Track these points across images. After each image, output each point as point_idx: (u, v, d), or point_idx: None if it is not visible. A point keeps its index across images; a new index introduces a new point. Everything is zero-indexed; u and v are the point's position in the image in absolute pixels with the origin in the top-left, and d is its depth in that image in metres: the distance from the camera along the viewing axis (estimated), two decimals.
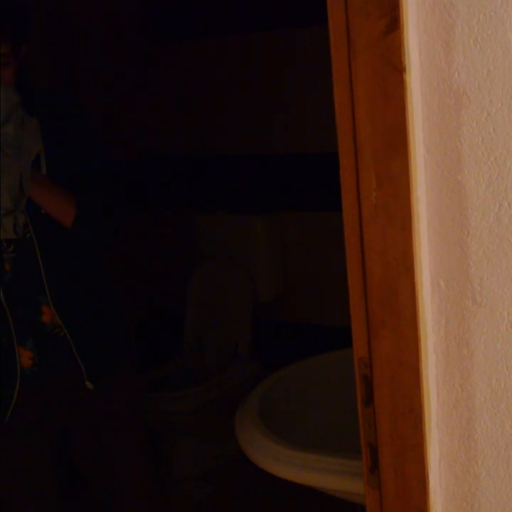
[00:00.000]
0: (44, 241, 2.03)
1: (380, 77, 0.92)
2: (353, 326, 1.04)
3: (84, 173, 2.09)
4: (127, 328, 2.32)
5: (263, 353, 3.59)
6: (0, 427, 2.10)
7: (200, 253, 3.74)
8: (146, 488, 2.29)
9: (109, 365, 2.18)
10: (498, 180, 0.93)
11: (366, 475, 1.08)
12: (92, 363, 2.12)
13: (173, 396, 3.22)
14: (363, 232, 0.99)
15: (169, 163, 3.88)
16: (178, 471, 3.37)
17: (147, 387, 3.22)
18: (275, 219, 3.60)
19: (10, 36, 1.93)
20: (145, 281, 3.92)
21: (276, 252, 3.62)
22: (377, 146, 0.95)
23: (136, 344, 3.62)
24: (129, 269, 3.73)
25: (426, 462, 1.02)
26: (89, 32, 3.63)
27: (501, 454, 1.01)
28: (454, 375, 1.01)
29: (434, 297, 1.00)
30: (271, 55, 3.48)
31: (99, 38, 3.67)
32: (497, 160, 0.93)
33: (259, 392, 2.12)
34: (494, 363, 0.98)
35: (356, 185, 0.98)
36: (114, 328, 2.23)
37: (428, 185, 0.97)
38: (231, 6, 3.55)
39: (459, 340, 1.00)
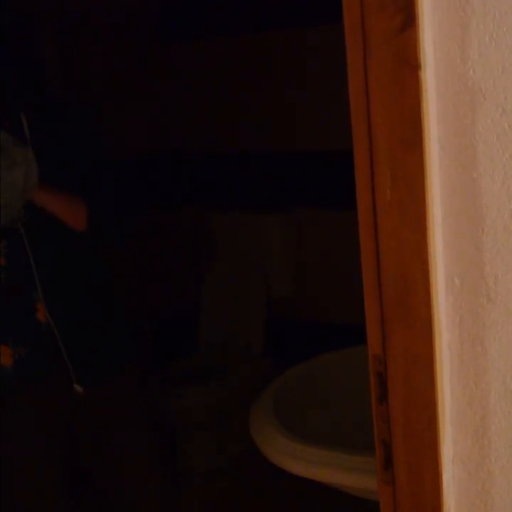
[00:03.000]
0: (35, 237, 2.02)
1: (395, 74, 0.92)
2: (368, 323, 1.04)
3: (85, 174, 2.08)
4: (132, 329, 2.30)
5: (276, 351, 3.59)
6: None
7: (214, 251, 3.74)
8: (155, 487, 2.28)
9: (108, 367, 2.16)
10: None
11: (380, 472, 1.08)
12: (82, 365, 2.10)
13: (186, 392, 3.22)
14: (377, 229, 0.99)
15: (183, 162, 3.89)
16: (192, 465, 3.38)
17: (161, 384, 3.23)
18: (289, 217, 3.60)
19: None
20: (160, 280, 3.93)
21: (290, 250, 3.62)
22: (392, 143, 0.95)
23: (150, 343, 3.65)
24: (143, 268, 3.74)
25: (440, 459, 1.02)
26: (100, 31, 3.64)
27: None
28: (469, 373, 1.01)
29: (448, 294, 1.00)
30: (289, 53, 3.48)
31: (109, 37, 3.68)
32: None
33: (273, 389, 2.12)
34: (509, 361, 0.98)
35: (371, 182, 0.98)
36: (115, 330, 2.20)
37: (443, 182, 0.97)
38: (241, 5, 3.56)
39: (473, 337, 0.99)
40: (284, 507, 3.11)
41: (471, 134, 0.94)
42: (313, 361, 2.30)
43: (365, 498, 1.78)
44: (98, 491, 2.31)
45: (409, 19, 0.90)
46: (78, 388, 2.09)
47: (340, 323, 3.51)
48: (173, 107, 3.81)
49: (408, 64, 0.91)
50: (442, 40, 0.92)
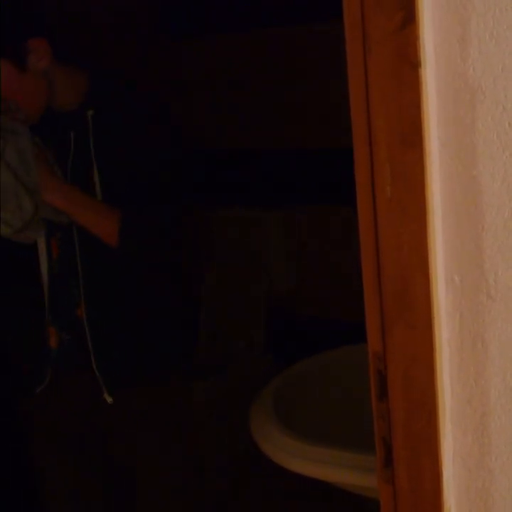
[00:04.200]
0: (85, 237, 1.95)
1: (395, 71, 0.92)
2: (367, 320, 1.04)
3: (137, 183, 1.95)
4: (183, 336, 2.16)
5: (277, 347, 3.59)
6: (32, 400, 2.09)
7: (214, 248, 3.74)
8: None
9: (139, 380, 2.06)
10: None
11: (380, 470, 1.08)
12: (114, 374, 2.02)
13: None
14: (377, 226, 0.99)
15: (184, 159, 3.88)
16: (192, 465, 3.37)
17: None
18: (289, 213, 3.60)
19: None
20: None
21: (290, 246, 3.62)
22: (391, 141, 0.95)
23: None
24: None
25: (440, 457, 1.02)
26: (100, 31, 3.64)
27: None
28: (469, 370, 1.01)
29: (448, 292, 1.00)
30: (286, 51, 3.48)
31: (109, 37, 3.68)
32: None
33: (273, 386, 2.12)
34: (509, 358, 0.98)
35: (371, 179, 0.98)
36: (154, 343, 2.07)
37: (443, 180, 0.97)
38: (241, 4, 3.56)
39: (473, 335, 0.99)
40: (284, 507, 3.11)
41: (471, 132, 0.94)
42: (313, 359, 2.31)
43: (366, 496, 1.78)
44: (112, 490, 2.26)
45: (409, 16, 0.90)
46: (108, 398, 2.02)
47: (340, 321, 3.51)
48: (172, 106, 3.81)
49: (408, 61, 0.91)
50: (442, 37, 0.92)
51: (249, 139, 3.69)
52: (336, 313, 3.58)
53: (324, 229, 3.56)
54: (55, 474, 2.18)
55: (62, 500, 2.20)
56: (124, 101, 2.01)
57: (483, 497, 1.04)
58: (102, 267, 1.99)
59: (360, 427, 1.40)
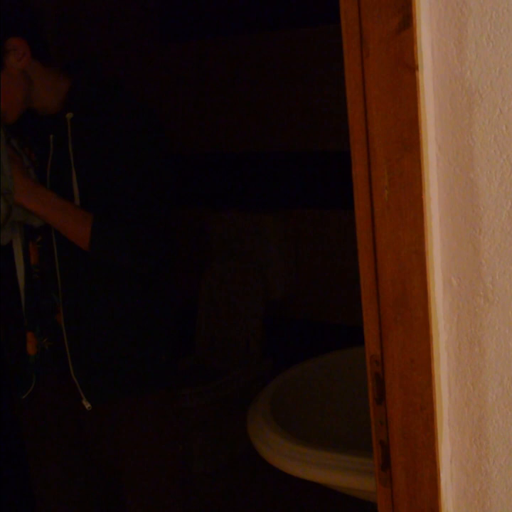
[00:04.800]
0: (63, 241, 1.94)
1: (392, 75, 0.92)
2: (365, 323, 1.04)
3: (119, 189, 1.92)
4: (165, 348, 2.10)
5: (274, 351, 3.59)
6: (24, 401, 2.08)
7: (211, 251, 3.74)
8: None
9: (121, 389, 2.04)
10: (511, 178, 0.93)
11: (378, 473, 1.08)
12: (90, 384, 2.00)
13: (184, 393, 3.22)
14: (375, 229, 0.99)
15: (180, 162, 3.89)
16: (190, 467, 3.37)
17: None
18: (287, 216, 3.60)
19: None
20: None
21: (287, 250, 3.62)
22: (389, 144, 0.95)
23: None
24: None
25: (437, 460, 1.02)
26: (100, 31, 3.65)
27: None
28: (466, 373, 1.01)
29: (445, 295, 1.00)
30: (285, 54, 3.48)
31: (109, 37, 3.69)
32: (509, 158, 0.92)
33: (271, 389, 2.11)
34: (506, 361, 0.98)
35: (368, 182, 0.98)
36: (135, 354, 2.03)
37: (440, 183, 0.97)
38: (240, 5, 3.56)
39: (470, 338, 0.99)
40: (284, 507, 3.11)
41: (468, 135, 0.94)
42: (311, 362, 2.30)
43: (364, 499, 1.78)
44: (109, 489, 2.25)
45: (406, 20, 0.90)
46: (86, 404, 2.00)
47: (339, 324, 3.51)
48: (172, 107, 3.82)
49: (405, 65, 0.91)
50: (439, 41, 0.92)
51: (249, 140, 3.69)
52: (334, 315, 3.58)
53: (323, 231, 3.56)
54: (50, 474, 2.18)
55: (57, 500, 2.20)
56: (110, 103, 1.98)
57: (481, 500, 1.04)
58: (81, 272, 1.97)
59: (359, 430, 1.40)
